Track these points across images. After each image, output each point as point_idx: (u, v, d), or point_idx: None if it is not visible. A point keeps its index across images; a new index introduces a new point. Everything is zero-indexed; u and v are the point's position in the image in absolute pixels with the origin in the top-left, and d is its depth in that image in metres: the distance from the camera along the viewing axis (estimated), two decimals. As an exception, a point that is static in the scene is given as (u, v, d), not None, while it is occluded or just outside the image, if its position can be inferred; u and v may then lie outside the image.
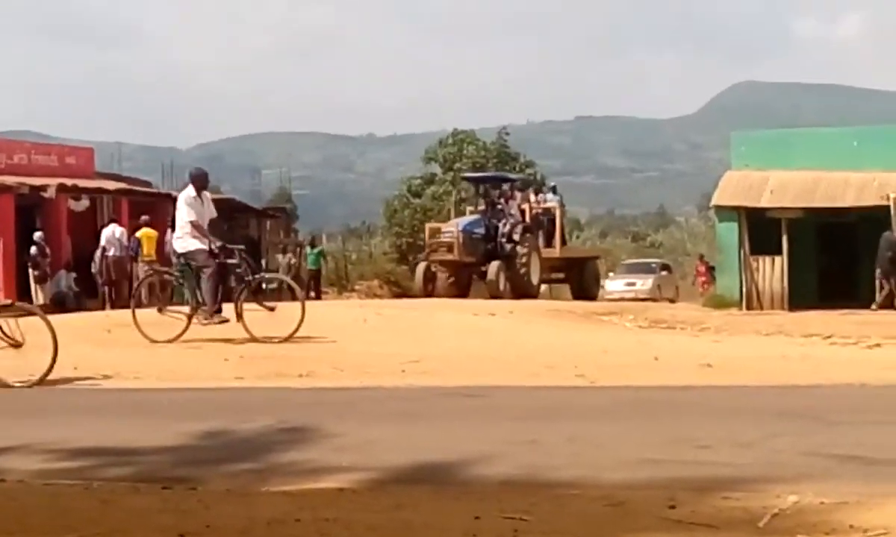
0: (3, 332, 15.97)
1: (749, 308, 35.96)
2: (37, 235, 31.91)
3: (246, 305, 19.89)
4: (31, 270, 30.74)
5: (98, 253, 32.98)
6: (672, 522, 6.99)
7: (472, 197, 41.53)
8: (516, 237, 36.15)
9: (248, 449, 10.23)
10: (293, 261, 45.77)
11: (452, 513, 7.37)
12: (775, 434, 10.27)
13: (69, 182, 37.23)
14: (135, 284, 33.51)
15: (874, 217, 35.42)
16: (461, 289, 35.59)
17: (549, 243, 38.91)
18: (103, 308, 25.60)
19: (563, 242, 40.41)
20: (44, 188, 34.96)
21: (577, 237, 67.65)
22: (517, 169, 57.35)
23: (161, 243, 35.67)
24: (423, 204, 56.01)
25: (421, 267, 37.06)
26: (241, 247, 21.87)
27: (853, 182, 36.45)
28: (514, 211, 37.49)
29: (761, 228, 36.64)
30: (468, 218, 37.78)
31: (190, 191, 20.35)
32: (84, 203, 38.24)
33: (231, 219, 43.33)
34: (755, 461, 9.04)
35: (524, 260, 35.79)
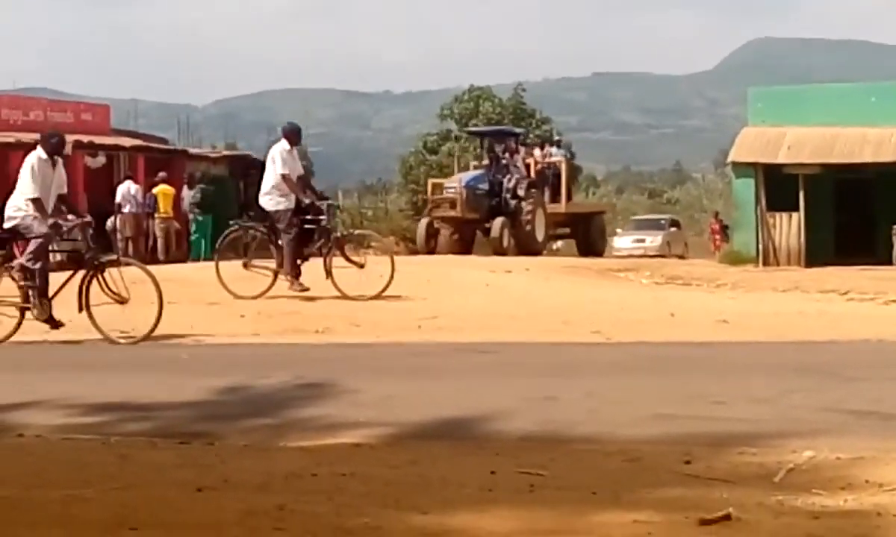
0: (109, 288, 16.07)
1: (766, 264, 35.90)
2: None
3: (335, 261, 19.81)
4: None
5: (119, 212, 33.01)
6: (688, 477, 7.00)
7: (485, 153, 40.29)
8: (521, 192, 35.51)
9: (265, 405, 10.27)
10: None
11: (469, 468, 7.39)
12: (791, 389, 10.27)
13: (85, 139, 37.24)
14: (154, 239, 33.63)
15: (892, 173, 35.31)
16: (464, 246, 35.23)
17: (554, 198, 38.13)
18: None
19: (569, 197, 39.80)
20: (60, 145, 34.99)
21: (594, 193, 67.56)
22: (533, 125, 57.28)
23: (178, 200, 35.74)
24: (438, 160, 55.86)
25: (423, 223, 36.63)
26: (331, 201, 21.76)
27: (871, 138, 36.29)
28: (520, 165, 36.83)
29: (778, 185, 36.52)
30: (471, 173, 37.23)
31: (284, 144, 20.25)
32: (100, 160, 38.27)
33: (247, 176, 43.29)
34: (771, 416, 9.05)
35: (529, 216, 35.22)
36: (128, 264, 17.17)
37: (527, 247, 34.47)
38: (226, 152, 49.17)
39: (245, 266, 20.24)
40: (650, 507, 6.20)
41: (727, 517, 5.89)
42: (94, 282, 16.14)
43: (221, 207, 36.59)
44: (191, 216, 36.01)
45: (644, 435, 8.37)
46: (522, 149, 38.55)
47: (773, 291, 23.35)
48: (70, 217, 16.49)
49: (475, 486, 6.85)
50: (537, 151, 39.87)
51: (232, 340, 15.72)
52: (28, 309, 16.16)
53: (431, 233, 35.52)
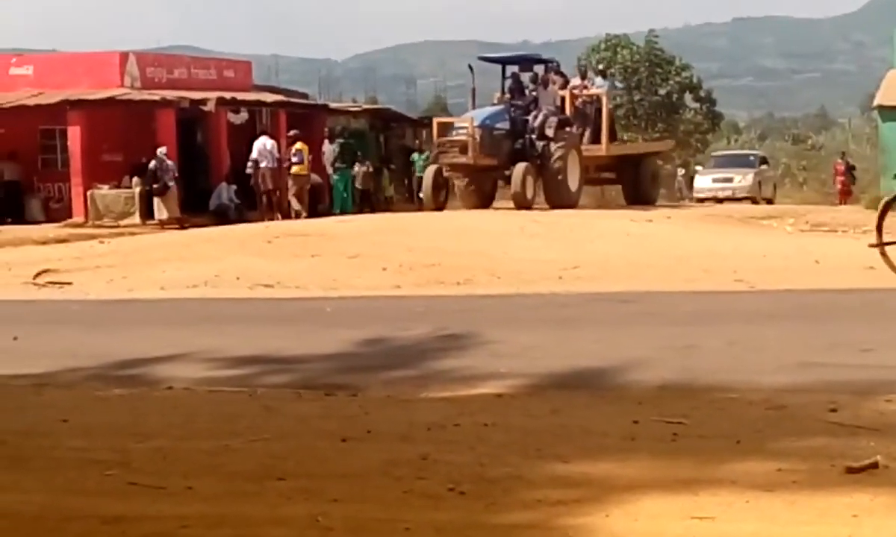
0: None
1: (914, 209, 35.07)
2: (159, 151, 32.26)
3: None
4: (151, 185, 31.13)
5: (250, 164, 33.26)
6: (833, 425, 6.91)
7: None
8: (549, 132, 29.16)
9: (407, 356, 10.35)
10: None
11: (610, 417, 7.39)
12: (941, 336, 10.07)
13: (228, 95, 37.65)
14: (288, 194, 33.76)
15: None
16: (482, 199, 29.85)
17: (596, 139, 31.60)
18: (263, 219, 25.91)
19: (613, 137, 33.17)
20: (203, 102, 35.41)
21: (736, 141, 66.62)
22: (673, 72, 56.61)
23: (318, 154, 35.98)
24: (577, 110, 55.52)
25: (429, 173, 30.18)
26: None
27: None
28: (551, 100, 30.11)
29: (926, 127, 35.65)
30: (487, 109, 30.32)
31: None
32: (243, 116, 38.67)
33: (387, 129, 43.49)
34: (919, 364, 8.89)
35: (559, 161, 28.98)
36: None
37: (557, 197, 28.92)
38: (366, 106, 49.37)
39: None
40: (795, 456, 6.14)
41: (874, 465, 5.81)
42: None
43: (362, 161, 36.92)
44: (331, 170, 36.28)
45: (788, 384, 8.28)
46: (559, 80, 31.82)
47: (921, 236, 22.85)
48: None
49: (617, 435, 6.84)
50: (578, 80, 32.94)
51: (374, 293, 15.83)
52: None
53: (440, 185, 29.79)
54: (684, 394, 8.08)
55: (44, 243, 24.13)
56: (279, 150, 33.90)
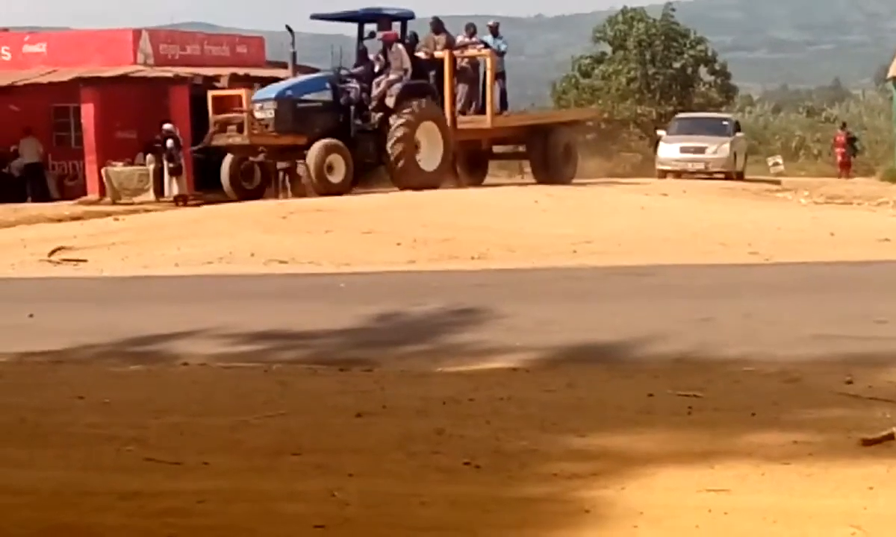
0: None
1: (928, 180, 34.95)
2: (166, 127, 32.20)
3: None
4: (165, 163, 31.08)
5: None
6: (849, 397, 6.91)
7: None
8: (390, 102, 24.71)
9: (422, 331, 10.36)
10: None
11: (626, 391, 7.39)
12: (956, 308, 10.05)
13: (241, 71, 37.63)
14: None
15: None
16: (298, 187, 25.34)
17: (482, 108, 26.86)
18: (277, 196, 25.82)
19: (503, 107, 28.04)
20: (217, 78, 35.39)
21: (749, 113, 66.39)
22: (687, 45, 56.40)
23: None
24: (591, 83, 55.39)
25: (226, 163, 25.41)
26: None
27: None
28: (399, 64, 25.26)
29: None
30: (294, 79, 26.21)
31: None
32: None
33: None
34: (935, 336, 8.87)
35: (400, 136, 24.45)
36: None
37: (405, 178, 24.55)
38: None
39: None
40: (811, 427, 6.14)
41: (890, 437, 5.82)
42: None
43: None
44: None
45: (803, 356, 8.27)
46: (443, 39, 27.07)
47: (937, 208, 22.81)
48: None
49: (632, 409, 6.85)
50: (463, 39, 28.12)
51: (388, 268, 15.84)
52: None
53: (245, 171, 25.37)
54: (700, 367, 8.09)
55: (58, 221, 24.15)
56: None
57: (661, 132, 35.62)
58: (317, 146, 23.83)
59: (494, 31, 28.49)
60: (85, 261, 17.57)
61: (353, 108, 24.92)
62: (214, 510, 5.21)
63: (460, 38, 27.81)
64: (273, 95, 24.85)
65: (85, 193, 32.28)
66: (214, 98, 26.79)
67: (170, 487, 5.56)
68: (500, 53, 27.90)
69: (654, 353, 8.76)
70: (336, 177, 23.96)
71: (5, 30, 39.05)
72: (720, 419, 6.50)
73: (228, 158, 25.17)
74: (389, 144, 24.37)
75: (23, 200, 30.70)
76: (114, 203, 27.60)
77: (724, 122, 35.64)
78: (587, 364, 8.50)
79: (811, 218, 20.63)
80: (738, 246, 16.43)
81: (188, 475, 5.79)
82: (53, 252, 18.31)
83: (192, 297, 13.98)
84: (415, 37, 26.96)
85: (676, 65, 55.11)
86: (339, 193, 23.36)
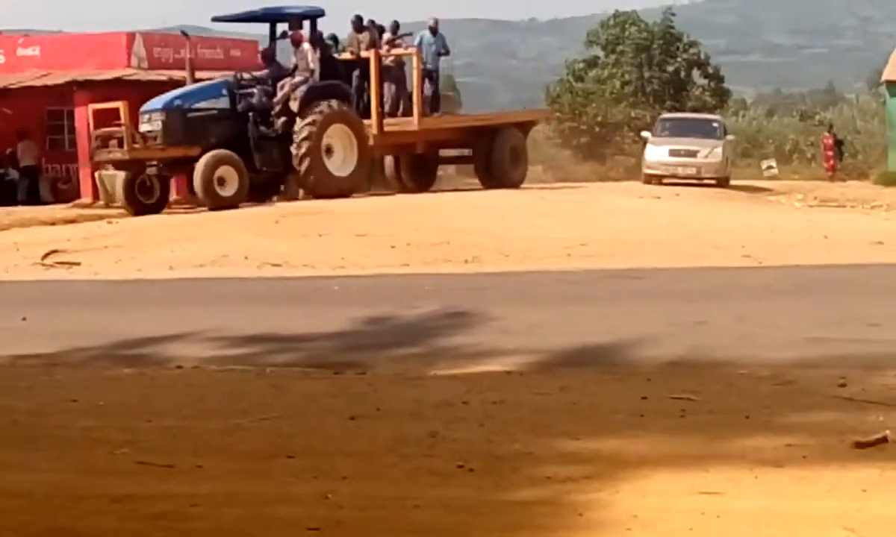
0: None
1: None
2: None
3: None
4: None
5: None
6: (842, 400, 6.91)
7: None
8: (294, 106, 23.54)
9: (415, 334, 10.35)
10: None
11: (619, 394, 7.39)
12: (949, 311, 10.06)
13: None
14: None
15: None
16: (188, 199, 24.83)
17: (410, 110, 26.01)
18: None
19: (435, 108, 27.13)
20: (210, 80, 35.43)
21: (743, 116, 66.40)
22: (681, 49, 56.42)
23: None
24: (584, 87, 55.41)
25: (120, 176, 24.36)
26: None
27: None
28: (305, 65, 24.04)
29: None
30: (186, 88, 25.03)
31: None
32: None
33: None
34: (928, 338, 8.88)
35: (305, 141, 23.33)
36: None
37: (315, 184, 23.72)
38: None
39: None
40: (804, 431, 6.14)
41: (884, 439, 5.82)
42: None
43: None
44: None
45: (797, 359, 8.28)
46: (368, 38, 26.49)
47: (930, 212, 22.85)
48: None
49: (626, 412, 6.84)
50: (387, 36, 27.27)
51: (382, 271, 15.83)
52: None
53: (131, 187, 24.01)
54: (693, 370, 8.09)
55: (52, 224, 24.11)
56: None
57: (646, 134, 33.10)
58: (203, 159, 22.84)
59: (434, 30, 27.58)
60: (78, 264, 17.55)
61: (253, 114, 23.75)
62: (208, 513, 5.21)
63: (387, 36, 27.01)
64: (160, 106, 23.78)
65: (78, 197, 32.25)
66: (95, 112, 25.57)
67: (163, 490, 5.56)
68: (440, 54, 27.39)
69: (648, 356, 8.76)
70: (228, 190, 22.95)
71: (-1, 32, 39.04)
72: (713, 422, 6.50)
73: (121, 173, 24.23)
74: (294, 149, 23.36)
75: (15, 204, 30.68)
76: (107, 206, 27.54)
77: (715, 124, 33.52)
78: (581, 367, 8.50)
79: (805, 220, 20.66)
80: (731, 249, 16.44)
81: (181, 478, 5.78)
82: (47, 255, 18.28)
83: (185, 300, 13.97)
84: (333, 37, 26.62)
85: (670, 68, 55.17)
86: (231, 207, 22.44)
